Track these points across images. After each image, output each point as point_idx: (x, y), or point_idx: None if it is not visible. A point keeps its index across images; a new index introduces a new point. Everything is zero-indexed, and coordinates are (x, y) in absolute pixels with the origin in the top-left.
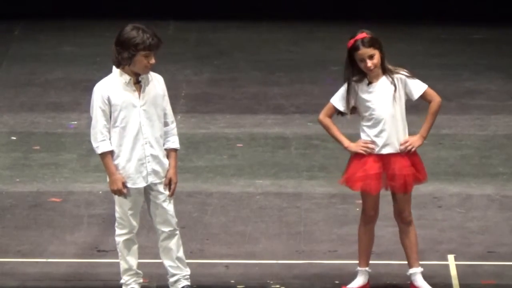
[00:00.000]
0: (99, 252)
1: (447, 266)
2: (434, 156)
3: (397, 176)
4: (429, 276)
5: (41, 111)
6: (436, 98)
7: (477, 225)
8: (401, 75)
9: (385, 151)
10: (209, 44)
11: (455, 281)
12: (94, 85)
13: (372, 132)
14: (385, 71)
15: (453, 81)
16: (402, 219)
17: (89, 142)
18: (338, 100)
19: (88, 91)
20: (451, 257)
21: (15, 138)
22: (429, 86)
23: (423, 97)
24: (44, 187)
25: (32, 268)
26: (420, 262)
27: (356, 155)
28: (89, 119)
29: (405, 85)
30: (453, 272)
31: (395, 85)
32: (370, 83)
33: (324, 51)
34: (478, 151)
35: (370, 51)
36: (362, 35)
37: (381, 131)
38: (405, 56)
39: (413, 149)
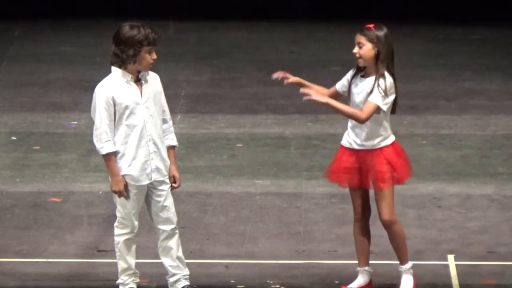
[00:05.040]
0: (99, 252)
1: (447, 266)
2: (434, 156)
3: (369, 172)
4: (429, 276)
5: (41, 111)
6: (364, 112)
7: (477, 225)
8: (382, 81)
9: (357, 147)
10: (209, 44)
11: (455, 281)
12: (94, 85)
13: (350, 124)
14: (377, 72)
15: (453, 81)
16: (381, 221)
17: (89, 142)
18: (340, 81)
19: (88, 91)
20: (451, 257)
21: (15, 138)
22: (429, 86)
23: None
24: (44, 187)
25: (32, 268)
26: (420, 262)
27: (339, 148)
28: (89, 119)
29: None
30: (453, 272)
31: (373, 88)
32: (363, 76)
33: (324, 51)
34: (478, 151)
35: (361, 39)
36: (369, 25)
37: (354, 126)
38: (405, 56)
39: (309, 98)
